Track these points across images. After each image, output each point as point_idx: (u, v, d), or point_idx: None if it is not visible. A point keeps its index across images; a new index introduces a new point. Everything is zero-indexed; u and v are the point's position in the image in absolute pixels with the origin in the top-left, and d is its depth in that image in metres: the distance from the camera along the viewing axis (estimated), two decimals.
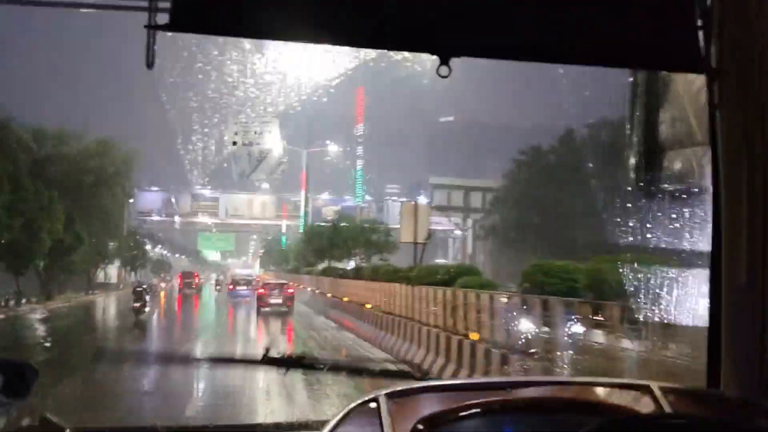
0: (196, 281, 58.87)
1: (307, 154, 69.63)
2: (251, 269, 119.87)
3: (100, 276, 57.56)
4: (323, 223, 53.05)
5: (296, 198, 74.21)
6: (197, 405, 11.31)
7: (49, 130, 42.75)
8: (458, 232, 68.85)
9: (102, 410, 10.51)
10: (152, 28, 1.64)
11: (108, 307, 42.04)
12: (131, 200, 66.69)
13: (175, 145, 49.48)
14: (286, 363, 2.38)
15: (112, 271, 62.38)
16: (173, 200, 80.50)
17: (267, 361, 2.36)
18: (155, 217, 79.25)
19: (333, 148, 76.24)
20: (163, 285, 67.82)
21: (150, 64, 1.69)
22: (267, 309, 34.50)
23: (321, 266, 47.30)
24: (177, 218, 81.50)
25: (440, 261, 47.93)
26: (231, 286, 52.83)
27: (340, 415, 1.74)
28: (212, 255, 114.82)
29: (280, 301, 35.43)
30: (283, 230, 77.73)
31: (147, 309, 31.73)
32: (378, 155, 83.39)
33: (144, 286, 34.37)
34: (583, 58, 2.09)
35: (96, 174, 42.94)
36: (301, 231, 61.55)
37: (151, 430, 2.59)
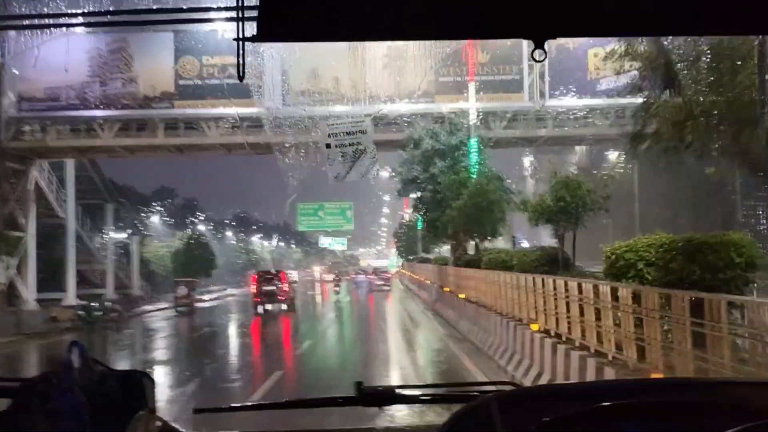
0: (284, 288, 35.21)
1: None
2: (386, 260, 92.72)
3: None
4: None
5: None
6: None
7: None
8: None
9: None
10: (241, 40, 1.60)
11: None
12: None
13: None
14: (384, 398, 2.17)
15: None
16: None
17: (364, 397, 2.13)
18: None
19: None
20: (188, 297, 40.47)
21: (241, 77, 1.67)
22: (375, 290, 54.30)
23: None
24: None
25: None
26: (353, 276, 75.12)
27: (448, 420, 1.66)
28: (323, 241, 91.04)
29: (381, 282, 57.09)
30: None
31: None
32: None
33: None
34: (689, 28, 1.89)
35: None
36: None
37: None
